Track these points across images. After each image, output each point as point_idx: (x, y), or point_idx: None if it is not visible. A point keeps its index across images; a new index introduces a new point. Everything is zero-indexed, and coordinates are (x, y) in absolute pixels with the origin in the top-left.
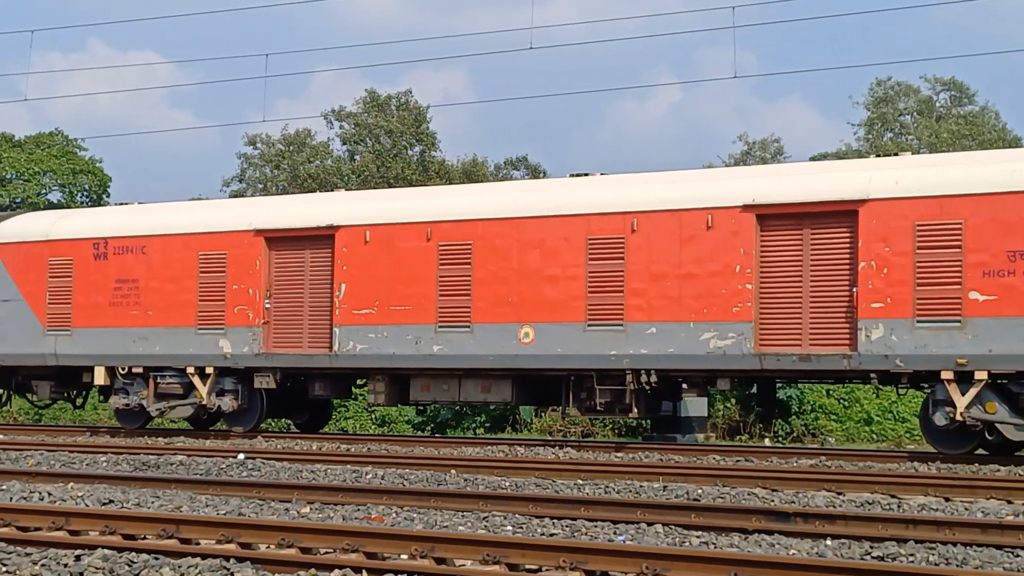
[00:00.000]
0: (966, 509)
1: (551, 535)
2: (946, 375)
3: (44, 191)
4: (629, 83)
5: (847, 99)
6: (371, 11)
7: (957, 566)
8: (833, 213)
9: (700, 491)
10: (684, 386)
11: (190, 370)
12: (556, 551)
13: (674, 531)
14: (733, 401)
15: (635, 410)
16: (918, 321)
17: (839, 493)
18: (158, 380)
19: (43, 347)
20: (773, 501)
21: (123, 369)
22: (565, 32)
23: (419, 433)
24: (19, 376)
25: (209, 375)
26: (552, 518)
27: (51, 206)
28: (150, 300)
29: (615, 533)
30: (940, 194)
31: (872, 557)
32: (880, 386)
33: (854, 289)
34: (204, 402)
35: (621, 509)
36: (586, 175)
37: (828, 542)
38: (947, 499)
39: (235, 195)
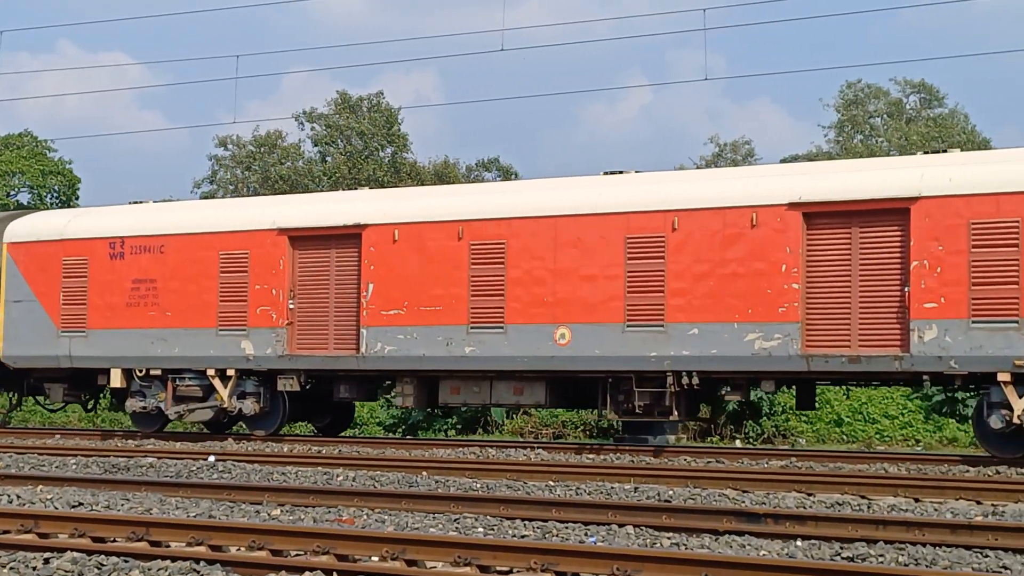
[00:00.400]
0: (935, 510)
1: (522, 537)
2: (1002, 377)
3: (13, 192)
4: (601, 85)
5: (817, 101)
6: (342, 12)
7: (927, 566)
8: (883, 211)
9: (671, 492)
10: (727, 388)
11: (210, 372)
12: (527, 552)
13: (645, 532)
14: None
15: (676, 412)
16: (973, 322)
17: (809, 494)
18: (177, 382)
19: (57, 349)
20: (744, 502)
21: (140, 371)
22: (536, 34)
23: (390, 435)
24: (31, 378)
25: (230, 377)
26: (523, 519)
27: (20, 207)
28: (169, 301)
29: (586, 534)
30: (996, 192)
31: (842, 558)
32: (933, 388)
33: (906, 289)
34: (225, 405)
35: (592, 510)
36: (621, 172)
37: (798, 543)
38: (917, 500)
39: (205, 196)
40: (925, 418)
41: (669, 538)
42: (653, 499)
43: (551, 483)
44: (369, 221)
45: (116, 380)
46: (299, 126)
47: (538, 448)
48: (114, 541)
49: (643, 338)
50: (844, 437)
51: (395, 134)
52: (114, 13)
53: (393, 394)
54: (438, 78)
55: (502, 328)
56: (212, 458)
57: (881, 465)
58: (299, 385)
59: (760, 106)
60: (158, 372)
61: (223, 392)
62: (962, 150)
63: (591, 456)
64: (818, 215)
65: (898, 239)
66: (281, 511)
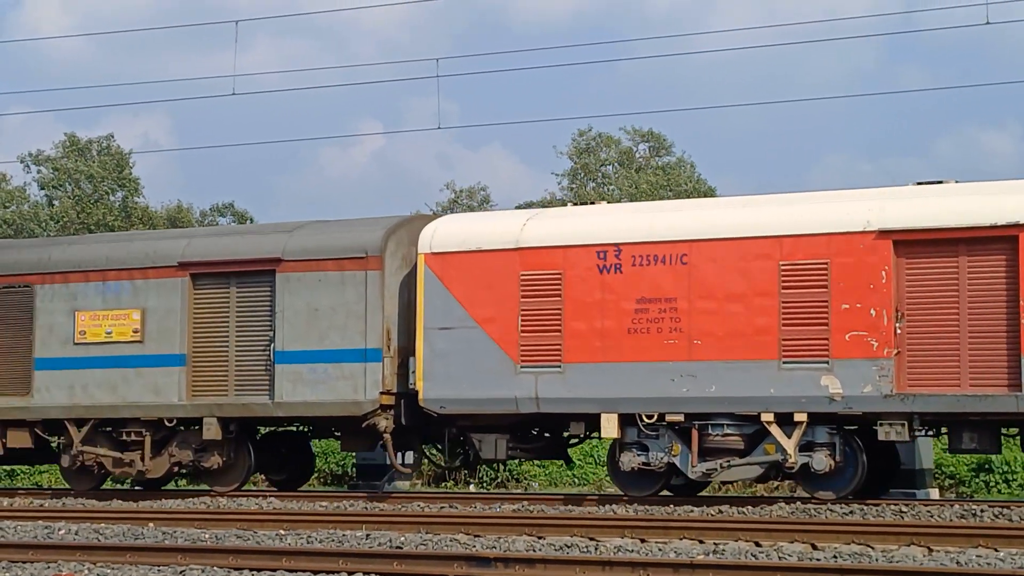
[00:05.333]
0: (660, 550)
1: None
2: None
3: None
4: (334, 131)
5: (551, 149)
6: (66, 53)
7: None
8: None
9: (403, 538)
10: None
11: (766, 417)
12: None
13: None
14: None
15: None
16: None
17: (540, 537)
18: (710, 431)
19: (515, 389)
20: (475, 547)
21: (649, 417)
22: (268, 80)
23: (118, 486)
24: (453, 427)
25: (797, 423)
26: (252, 570)
27: None
28: (698, 325)
29: None
30: None
31: None
32: None
33: None
34: (789, 459)
35: (322, 559)
36: None
37: None
38: (643, 540)
39: None
40: None
41: None
42: (385, 546)
43: (282, 532)
44: None
45: (611, 429)
46: (24, 169)
47: (271, 497)
48: None
49: None
50: (576, 480)
51: (126, 178)
52: None
53: None
54: (169, 121)
55: None
56: None
57: (610, 507)
58: (908, 433)
59: (494, 153)
60: (679, 418)
61: (786, 443)
62: (688, 198)
63: (324, 504)
64: None
65: None
66: None
